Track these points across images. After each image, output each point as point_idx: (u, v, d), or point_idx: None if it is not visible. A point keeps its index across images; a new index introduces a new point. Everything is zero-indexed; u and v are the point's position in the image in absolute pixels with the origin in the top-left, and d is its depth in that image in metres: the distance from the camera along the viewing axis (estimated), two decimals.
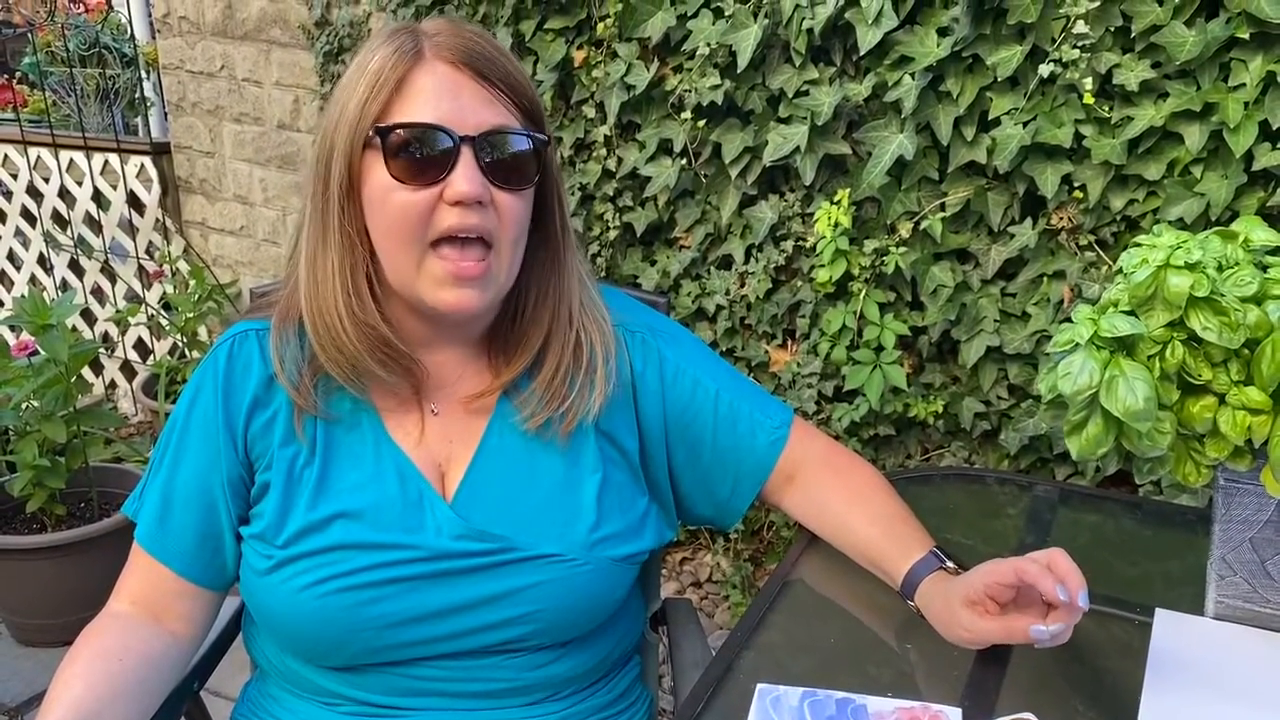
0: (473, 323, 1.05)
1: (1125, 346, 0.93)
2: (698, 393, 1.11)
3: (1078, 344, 0.93)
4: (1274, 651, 0.97)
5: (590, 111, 2.32)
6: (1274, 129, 1.62)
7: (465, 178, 0.93)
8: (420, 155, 0.94)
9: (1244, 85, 1.63)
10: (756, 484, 1.13)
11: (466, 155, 0.94)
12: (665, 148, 2.24)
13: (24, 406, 2.32)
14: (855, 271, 2.04)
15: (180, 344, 3.36)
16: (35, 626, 2.43)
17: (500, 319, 1.06)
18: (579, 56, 2.30)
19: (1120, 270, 0.96)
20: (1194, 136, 1.69)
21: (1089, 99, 1.74)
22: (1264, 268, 0.95)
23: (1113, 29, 1.72)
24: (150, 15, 3.61)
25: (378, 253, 0.98)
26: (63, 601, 2.37)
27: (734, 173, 2.15)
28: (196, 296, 3.18)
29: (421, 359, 1.05)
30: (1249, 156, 1.65)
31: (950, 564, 1.01)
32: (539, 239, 1.04)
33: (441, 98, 0.94)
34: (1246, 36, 1.61)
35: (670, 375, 1.10)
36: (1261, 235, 0.97)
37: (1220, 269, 0.94)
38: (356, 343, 0.99)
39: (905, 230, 1.97)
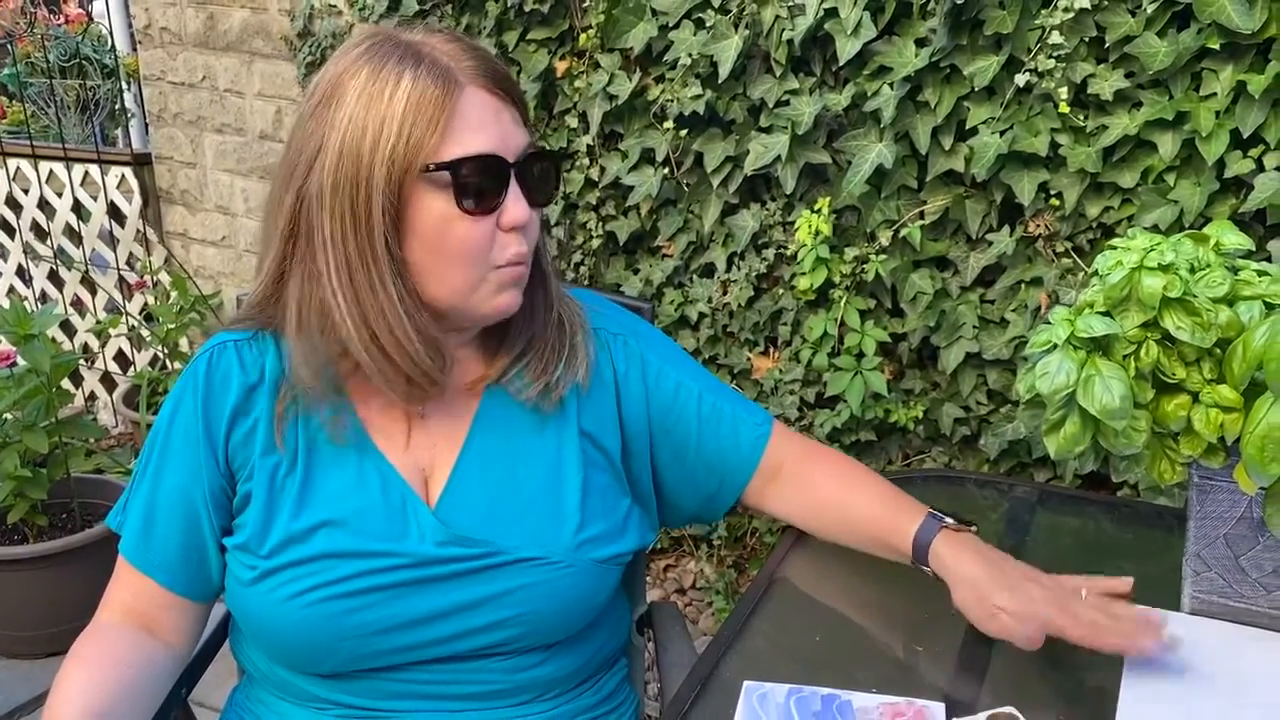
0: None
1: (1101, 346, 0.95)
2: (680, 394, 1.12)
3: (1055, 344, 0.95)
4: (1248, 645, 0.99)
5: (573, 121, 2.33)
6: (1245, 137, 1.65)
7: (518, 203, 0.96)
8: (481, 186, 0.94)
9: (1215, 94, 1.66)
10: (743, 479, 1.14)
11: (515, 180, 0.96)
12: (648, 157, 2.26)
13: (5, 417, 2.30)
14: (836, 279, 2.06)
15: (161, 355, 3.34)
16: (15, 638, 2.41)
17: None
18: (561, 67, 2.31)
19: (1095, 273, 0.98)
20: (1167, 145, 1.71)
21: (1064, 108, 1.76)
22: (1235, 270, 0.97)
23: (1087, 39, 1.75)
24: (131, 26, 3.60)
25: (419, 274, 0.97)
26: (44, 613, 2.35)
27: (716, 181, 2.17)
28: (178, 308, 3.16)
29: None
30: (1221, 164, 1.68)
31: (950, 521, 1.05)
32: None
33: (487, 125, 0.95)
34: (1217, 47, 1.64)
35: (653, 377, 1.12)
36: (1233, 239, 0.99)
37: (1192, 271, 0.96)
38: (428, 358, 0.98)
39: (885, 238, 1.99)
